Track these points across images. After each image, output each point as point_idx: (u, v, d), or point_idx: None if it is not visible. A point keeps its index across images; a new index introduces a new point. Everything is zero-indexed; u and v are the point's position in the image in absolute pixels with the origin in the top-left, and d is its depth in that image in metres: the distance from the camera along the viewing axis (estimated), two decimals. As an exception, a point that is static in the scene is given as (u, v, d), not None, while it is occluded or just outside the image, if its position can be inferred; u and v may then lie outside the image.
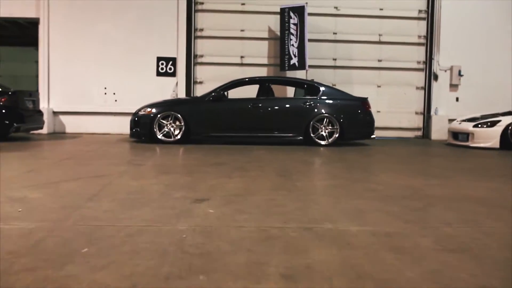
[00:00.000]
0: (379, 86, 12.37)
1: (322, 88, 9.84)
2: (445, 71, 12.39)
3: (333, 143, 9.55)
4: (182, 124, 9.41)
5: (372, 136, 9.85)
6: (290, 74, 11.75)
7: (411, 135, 12.53)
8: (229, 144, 9.43)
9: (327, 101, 9.70)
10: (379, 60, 12.32)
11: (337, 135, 9.57)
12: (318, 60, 11.98)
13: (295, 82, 10.40)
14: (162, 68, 12.04)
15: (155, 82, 12.04)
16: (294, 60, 11.50)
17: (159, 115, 9.39)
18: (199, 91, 12.06)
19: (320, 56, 12.10)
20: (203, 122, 9.47)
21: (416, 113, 12.51)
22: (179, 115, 9.40)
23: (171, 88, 12.05)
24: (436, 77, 12.36)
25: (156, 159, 7.26)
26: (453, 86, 12.48)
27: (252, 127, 9.57)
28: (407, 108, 12.44)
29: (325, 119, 9.57)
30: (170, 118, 9.43)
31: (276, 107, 9.68)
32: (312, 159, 7.67)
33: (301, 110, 9.62)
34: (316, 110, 9.58)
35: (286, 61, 11.56)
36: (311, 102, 9.62)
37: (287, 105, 9.76)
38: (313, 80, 10.23)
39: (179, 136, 9.42)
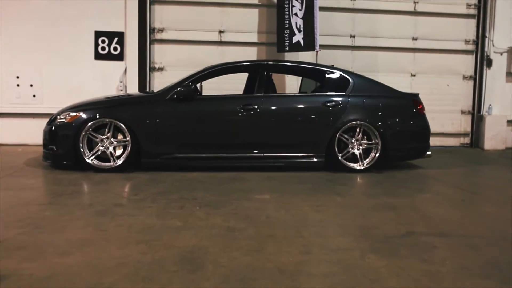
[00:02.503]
0: (413, 75, 8.86)
1: (352, 80, 6.22)
2: (501, 54, 8.98)
3: (371, 166, 6.00)
4: (128, 139, 5.67)
5: (428, 153, 6.34)
6: (290, 57, 8.10)
7: (456, 143, 9.12)
8: (207, 171, 5.76)
9: (360, 100, 6.10)
10: (414, 39, 8.78)
11: (377, 154, 6.00)
12: (328, 38, 8.36)
13: (310, 70, 6.59)
14: (103, 48, 8.19)
15: (93, 68, 8.19)
16: (298, 37, 7.84)
17: (89, 124, 5.62)
18: (159, 82, 8.28)
19: (333, 32, 8.48)
20: (162, 136, 5.75)
21: (463, 112, 9.08)
22: (122, 124, 5.65)
23: (117, 78, 8.23)
24: (490, 63, 8.94)
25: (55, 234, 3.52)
26: (511, 75, 9.09)
27: (243, 144, 5.90)
28: (451, 106, 9.00)
29: (358, 129, 5.99)
30: (107, 129, 5.67)
31: (282, 111, 6.00)
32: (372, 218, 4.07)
33: (321, 115, 5.99)
34: (344, 114, 5.97)
35: (287, 38, 7.88)
36: (338, 102, 6.01)
37: (300, 107, 6.08)
38: (333, 66, 6.58)
39: (121, 160, 5.68)
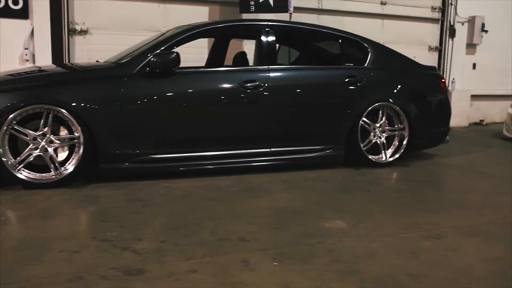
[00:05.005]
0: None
1: (371, 49, 4.87)
2: (462, 24, 8.34)
3: (395, 159, 4.80)
4: (78, 135, 3.69)
5: (447, 138, 5.30)
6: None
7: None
8: (196, 177, 4.04)
9: (383, 75, 4.80)
10: (383, 3, 7.69)
11: (404, 142, 4.80)
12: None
13: (324, 34, 4.94)
14: (-3, 0, 5.77)
15: (-17, 29, 5.76)
16: (267, -5, 6.26)
17: (12, 115, 3.52)
18: (82, 49, 6.12)
19: (298, -9, 7.01)
20: (131, 129, 3.86)
21: (428, 87, 8.30)
22: (67, 113, 3.64)
23: (21, 44, 5.89)
24: (453, 33, 8.25)
25: None
26: (471, 47, 8.54)
27: (245, 137, 4.26)
28: (417, 80, 8.16)
29: (381, 112, 4.70)
30: (43, 121, 3.62)
31: (295, 89, 4.44)
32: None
33: (341, 95, 4.58)
34: (367, 93, 4.63)
35: (252, -4, 6.25)
36: (359, 78, 4.63)
37: (317, 84, 4.56)
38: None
39: (69, 167, 3.70)
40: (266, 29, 4.42)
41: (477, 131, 7.98)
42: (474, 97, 8.39)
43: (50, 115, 3.64)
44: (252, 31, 4.52)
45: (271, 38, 4.39)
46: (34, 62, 5.92)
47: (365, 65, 4.75)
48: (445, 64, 8.25)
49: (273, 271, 2.32)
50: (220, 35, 5.13)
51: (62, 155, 3.77)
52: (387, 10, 7.71)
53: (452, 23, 8.20)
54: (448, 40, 8.23)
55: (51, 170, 3.69)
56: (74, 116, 3.66)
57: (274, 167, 4.36)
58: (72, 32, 6.08)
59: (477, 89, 8.45)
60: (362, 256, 2.54)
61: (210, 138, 4.13)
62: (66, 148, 3.77)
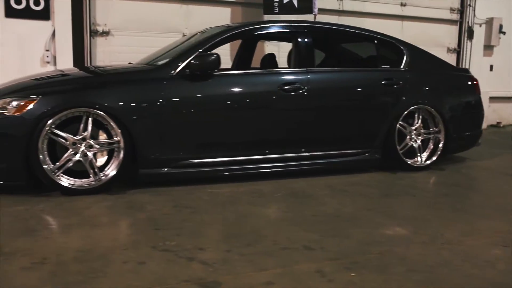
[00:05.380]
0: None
1: (406, 50, 4.78)
2: (480, 25, 8.28)
3: (432, 162, 4.72)
4: (118, 139, 3.57)
5: (479, 141, 5.22)
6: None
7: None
8: (235, 182, 3.94)
9: (419, 77, 4.72)
10: (403, 4, 7.61)
11: (440, 145, 4.72)
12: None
13: (361, 36, 4.80)
14: (18, 1, 5.62)
15: (4, 30, 5.61)
16: (292, -4, 6.17)
17: (51, 119, 3.39)
18: (104, 51, 5.99)
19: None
20: (172, 133, 3.75)
21: (447, 89, 8.24)
22: (107, 117, 3.53)
23: (42, 45, 5.76)
24: (471, 34, 8.18)
25: None
26: (488, 49, 8.49)
27: (285, 140, 4.16)
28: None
29: (417, 115, 4.62)
30: (83, 125, 3.51)
31: (335, 92, 4.34)
32: None
33: (379, 97, 4.50)
34: (404, 96, 4.55)
35: (276, -3, 6.16)
36: (396, 80, 4.54)
37: (355, 87, 4.45)
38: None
39: (110, 171, 3.58)
40: (305, 30, 4.32)
41: (495, 133, 7.92)
42: (491, 99, 8.33)
43: (90, 119, 3.52)
44: (290, 33, 4.40)
45: (310, 40, 4.29)
46: (55, 64, 5.79)
47: (401, 67, 4.67)
48: (463, 66, 8.16)
49: (353, 282, 2.22)
50: (254, 37, 5.01)
51: (100, 160, 3.65)
52: (407, 11, 7.63)
53: (470, 25, 8.14)
54: (466, 42, 8.17)
55: (90, 175, 3.56)
56: (114, 120, 3.54)
57: (311, 171, 4.26)
58: (94, 33, 5.95)
59: (494, 91, 8.39)
60: (436, 265, 2.44)
61: (249, 142, 4.02)
62: (105, 153, 3.65)
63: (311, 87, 4.14)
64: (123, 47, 6.02)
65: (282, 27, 4.55)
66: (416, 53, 4.83)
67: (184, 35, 6.25)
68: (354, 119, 4.37)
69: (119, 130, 3.56)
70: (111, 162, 3.63)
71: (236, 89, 3.97)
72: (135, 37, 6.07)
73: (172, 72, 3.77)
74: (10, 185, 3.50)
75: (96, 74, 4.04)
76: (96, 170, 3.57)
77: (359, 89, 4.42)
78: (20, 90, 3.58)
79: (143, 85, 3.72)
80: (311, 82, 4.15)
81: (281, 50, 6.09)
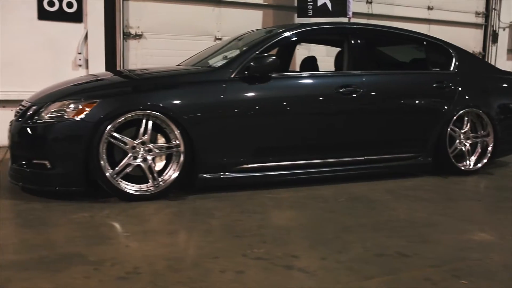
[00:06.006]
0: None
1: (455, 54, 4.71)
2: (504, 29, 8.27)
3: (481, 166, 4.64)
4: (178, 142, 3.46)
5: (522, 146, 5.15)
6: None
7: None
8: (291, 187, 3.83)
9: (468, 80, 4.65)
10: (430, 8, 7.58)
11: (489, 148, 4.65)
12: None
13: (407, 37, 4.69)
14: (51, 3, 5.52)
15: (36, 33, 5.51)
16: (326, -1, 6.12)
17: (113, 122, 3.27)
18: (136, 54, 5.89)
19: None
20: (231, 137, 3.64)
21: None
22: (168, 120, 3.41)
23: (74, 48, 5.65)
24: (496, 38, 8.17)
25: None
26: (512, 53, 8.48)
27: (341, 144, 4.06)
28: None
29: (466, 118, 4.54)
30: (143, 129, 3.39)
31: (389, 95, 4.25)
32: None
33: (431, 101, 4.42)
34: (453, 99, 4.47)
35: (310, 0, 6.08)
36: (447, 83, 4.47)
37: (408, 90, 4.38)
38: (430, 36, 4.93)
39: (170, 178, 3.46)
40: (358, 32, 4.24)
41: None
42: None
43: (150, 122, 3.41)
44: (343, 34, 4.31)
45: (363, 41, 4.21)
46: (87, 67, 5.69)
47: (450, 69, 4.60)
48: (488, 70, 8.13)
49: (470, 291, 2.12)
50: (305, 39, 4.92)
51: (159, 165, 3.53)
52: (434, 15, 7.59)
53: (494, 29, 8.11)
54: (491, 46, 8.14)
55: (149, 181, 3.44)
56: (174, 123, 3.43)
57: (364, 175, 4.17)
58: (126, 36, 5.85)
59: None
60: (542, 272, 2.35)
61: (307, 145, 3.92)
62: (163, 157, 3.53)
63: (366, 90, 4.05)
64: (155, 50, 5.93)
65: (336, 29, 4.46)
66: (464, 55, 4.77)
67: (216, 38, 6.17)
68: (407, 122, 4.29)
69: (180, 134, 3.45)
70: (169, 167, 3.51)
71: (294, 92, 3.88)
72: (167, 40, 5.98)
73: (231, 74, 3.67)
74: (66, 191, 3.38)
75: (153, 76, 3.91)
76: (155, 175, 3.45)
77: (412, 92, 4.35)
78: (78, 92, 3.46)
79: (204, 87, 3.61)
80: (366, 85, 4.06)
81: (311, 54, 6.03)
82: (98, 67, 5.63)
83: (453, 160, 4.45)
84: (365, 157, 4.14)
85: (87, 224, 2.90)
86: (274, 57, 3.69)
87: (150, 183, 3.44)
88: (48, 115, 3.34)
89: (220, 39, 6.15)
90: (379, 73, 4.35)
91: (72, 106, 3.32)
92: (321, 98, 3.93)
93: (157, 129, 3.47)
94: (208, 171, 3.59)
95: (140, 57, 5.88)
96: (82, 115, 3.28)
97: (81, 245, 2.53)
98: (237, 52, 4.31)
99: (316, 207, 3.37)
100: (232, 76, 3.67)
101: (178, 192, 3.57)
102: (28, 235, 2.67)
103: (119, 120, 3.32)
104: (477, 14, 8.00)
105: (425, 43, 4.64)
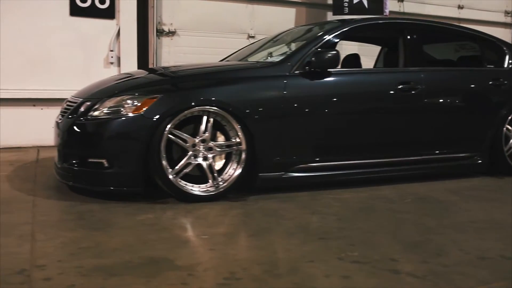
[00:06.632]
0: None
1: (508, 50, 4.58)
2: (529, 29, 8.17)
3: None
4: (238, 140, 3.29)
5: None
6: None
7: None
8: (346, 187, 3.67)
9: (522, 77, 4.52)
10: (460, 7, 7.46)
11: (541, 150, 4.51)
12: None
13: (460, 33, 4.63)
14: (83, -1, 5.36)
15: (68, 29, 5.34)
16: (362, -5, 5.98)
17: (173, 120, 3.10)
18: (169, 51, 5.72)
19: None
20: (291, 135, 3.47)
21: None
22: (230, 117, 3.25)
23: (105, 45, 5.48)
24: (522, 38, 8.05)
25: None
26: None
27: (398, 143, 3.90)
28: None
29: (518, 117, 4.41)
30: (205, 126, 3.22)
31: (446, 93, 4.11)
32: None
33: (487, 98, 4.28)
34: (509, 97, 4.33)
35: (346, -3, 5.95)
36: (500, 80, 4.33)
37: (465, 87, 4.24)
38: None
39: (231, 177, 3.29)
40: (414, 27, 4.10)
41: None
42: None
43: (211, 119, 3.24)
44: (399, 30, 4.16)
45: (420, 37, 4.07)
46: (119, 65, 5.52)
47: (504, 66, 4.46)
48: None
49: None
50: (357, 34, 4.74)
51: (219, 164, 3.36)
52: (464, 14, 7.48)
53: (521, 28, 8.01)
54: (517, 46, 8.02)
55: (209, 181, 3.27)
56: (237, 120, 3.27)
57: (419, 175, 4.01)
58: (160, 33, 5.68)
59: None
60: None
61: (366, 144, 3.77)
62: (223, 156, 3.36)
63: (424, 87, 3.90)
64: (188, 47, 5.77)
65: (392, 24, 4.32)
66: (514, 51, 4.63)
67: (249, 36, 6.02)
68: (464, 121, 4.14)
69: (241, 131, 3.28)
70: (228, 166, 3.34)
71: (355, 88, 3.73)
72: (199, 37, 5.83)
73: (291, 69, 3.51)
74: (122, 192, 3.20)
75: (212, 71, 3.73)
76: (215, 174, 3.28)
77: (469, 89, 4.21)
78: (136, 87, 3.30)
79: (265, 82, 3.45)
80: (424, 82, 3.91)
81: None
82: (130, 65, 5.46)
83: (508, 160, 4.30)
84: (423, 157, 3.98)
85: (157, 226, 2.72)
86: (335, 52, 3.53)
87: (210, 183, 3.27)
88: (105, 111, 3.16)
89: (253, 36, 6.00)
90: (437, 70, 4.21)
91: (130, 101, 3.15)
92: (381, 95, 3.78)
93: (215, 126, 3.30)
94: (269, 171, 3.42)
95: (173, 55, 5.71)
96: (142, 111, 3.10)
97: (161, 249, 2.36)
98: (284, 48, 4.18)
99: (386, 208, 3.21)
100: (292, 71, 3.50)
101: (235, 193, 3.40)
102: (100, 238, 2.49)
103: (179, 117, 3.14)
104: (507, 13, 7.90)
105: (478, 39, 4.49)
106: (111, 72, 5.43)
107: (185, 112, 3.16)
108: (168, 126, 3.11)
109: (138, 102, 3.13)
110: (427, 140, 4.00)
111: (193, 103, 3.16)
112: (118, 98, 3.18)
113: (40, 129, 5.25)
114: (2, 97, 5.05)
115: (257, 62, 3.90)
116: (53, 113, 5.23)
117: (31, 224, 2.70)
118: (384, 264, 2.22)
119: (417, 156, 3.96)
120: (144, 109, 3.11)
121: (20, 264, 2.12)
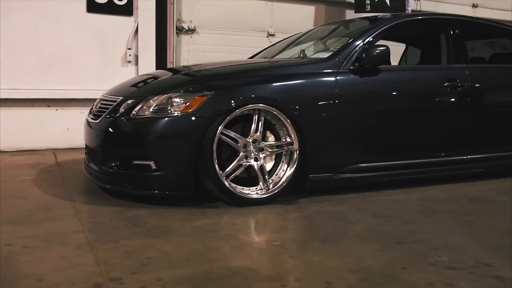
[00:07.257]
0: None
1: (544, 47, 4.51)
2: (540, 28, 8.14)
3: None
4: (290, 140, 3.12)
5: None
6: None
7: None
8: (395, 189, 3.54)
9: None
10: (474, 6, 7.41)
11: None
12: None
13: (501, 30, 4.43)
14: (101, -5, 5.14)
15: (84, 26, 5.11)
16: (384, -7, 5.87)
17: (226, 119, 2.93)
18: (188, 50, 5.53)
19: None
20: (343, 135, 3.31)
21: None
22: (283, 115, 3.08)
23: (123, 43, 5.26)
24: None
25: None
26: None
27: (442, 142, 3.76)
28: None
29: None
30: (255, 125, 3.05)
31: (490, 90, 4.00)
32: None
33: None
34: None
35: (368, -6, 5.84)
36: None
37: (508, 83, 4.15)
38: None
39: (285, 177, 3.13)
40: (458, 24, 3.99)
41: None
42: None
43: (262, 118, 3.07)
44: (442, 25, 4.03)
45: (464, 33, 3.96)
46: (136, 63, 5.31)
47: (539, 63, 4.38)
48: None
49: None
50: (400, 31, 4.56)
51: (270, 164, 3.19)
52: (478, 13, 7.42)
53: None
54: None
55: (260, 183, 3.10)
56: (290, 119, 3.10)
57: (467, 175, 3.90)
58: (179, 31, 5.48)
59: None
60: None
61: (415, 144, 3.63)
62: (273, 157, 3.19)
63: (470, 84, 3.78)
64: (207, 45, 5.58)
65: (435, 20, 4.21)
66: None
67: (269, 34, 5.87)
68: (508, 119, 4.03)
69: (294, 130, 3.12)
70: (279, 168, 3.18)
71: (404, 86, 3.58)
72: (219, 35, 5.65)
73: (341, 66, 3.35)
74: (169, 195, 3.01)
75: (258, 68, 3.55)
76: (266, 176, 3.11)
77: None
78: (183, 84, 3.12)
79: (314, 79, 3.28)
80: (469, 79, 3.80)
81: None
82: (148, 63, 5.26)
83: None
84: (468, 156, 3.86)
85: (220, 233, 2.54)
86: (385, 48, 3.38)
87: (260, 185, 3.10)
88: (151, 110, 2.97)
89: (272, 35, 5.84)
90: (481, 67, 4.10)
91: (178, 100, 2.96)
92: (430, 93, 3.65)
93: (264, 126, 3.13)
94: (319, 172, 3.26)
95: (192, 54, 5.52)
96: (191, 110, 2.92)
97: (237, 257, 2.18)
98: (319, 45, 4.04)
99: (445, 210, 3.07)
100: (342, 68, 3.35)
101: (283, 196, 3.23)
102: (164, 247, 2.30)
103: (232, 116, 2.97)
104: (517, 12, 7.87)
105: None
106: (129, 71, 5.23)
107: (237, 110, 2.98)
108: (221, 125, 2.93)
109: (187, 100, 2.94)
110: (473, 140, 3.87)
111: (246, 101, 2.99)
112: (165, 96, 2.98)
113: (54, 131, 5.03)
114: (18, 97, 4.81)
115: (302, 58, 3.73)
116: (68, 115, 5.05)
117: (83, 232, 2.49)
118: (481, 270, 2.08)
119: (462, 156, 3.83)
120: (195, 107, 2.92)
121: (92, 277, 1.92)
